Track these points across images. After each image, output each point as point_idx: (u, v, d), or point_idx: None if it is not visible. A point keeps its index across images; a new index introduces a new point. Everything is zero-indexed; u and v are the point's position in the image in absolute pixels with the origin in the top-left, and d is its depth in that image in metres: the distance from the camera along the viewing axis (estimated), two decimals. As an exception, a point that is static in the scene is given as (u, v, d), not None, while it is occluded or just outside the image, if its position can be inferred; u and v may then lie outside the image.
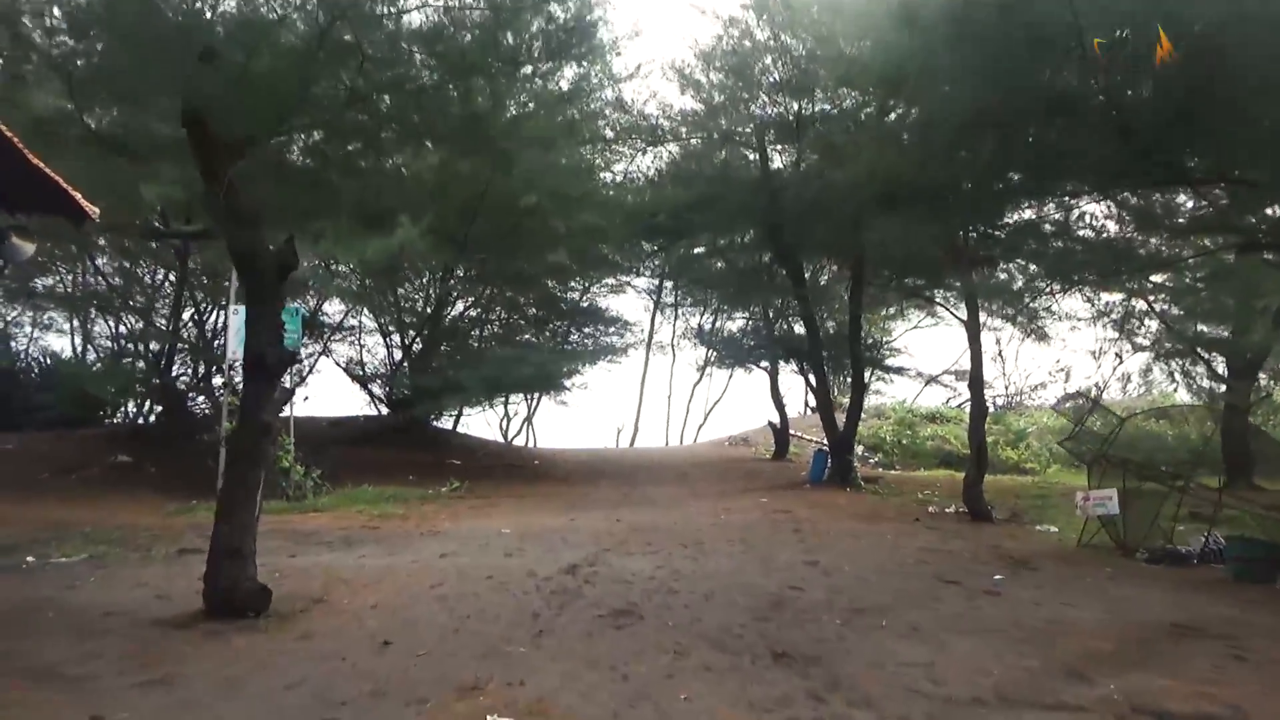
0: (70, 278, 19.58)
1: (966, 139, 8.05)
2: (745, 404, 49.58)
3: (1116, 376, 35.25)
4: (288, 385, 17.54)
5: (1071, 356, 54.74)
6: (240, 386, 14.72)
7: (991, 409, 32.61)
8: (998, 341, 33.34)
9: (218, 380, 16.27)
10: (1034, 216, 13.13)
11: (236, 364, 13.86)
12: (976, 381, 12.80)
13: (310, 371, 21.71)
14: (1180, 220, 12.65)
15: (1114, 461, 9.96)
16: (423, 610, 6.24)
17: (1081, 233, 12.88)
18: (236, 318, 13.81)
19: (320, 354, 21.59)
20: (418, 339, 20.03)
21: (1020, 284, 13.69)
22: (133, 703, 4.11)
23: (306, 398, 20.46)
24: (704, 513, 12.54)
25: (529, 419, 30.47)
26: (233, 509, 5.93)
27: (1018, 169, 8.23)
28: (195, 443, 15.61)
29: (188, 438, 16.85)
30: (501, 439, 29.22)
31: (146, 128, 6.29)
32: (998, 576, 7.80)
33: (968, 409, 31.88)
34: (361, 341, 21.42)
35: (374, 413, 22.34)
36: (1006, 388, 33.68)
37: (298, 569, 7.93)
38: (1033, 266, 14.01)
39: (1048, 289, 14.52)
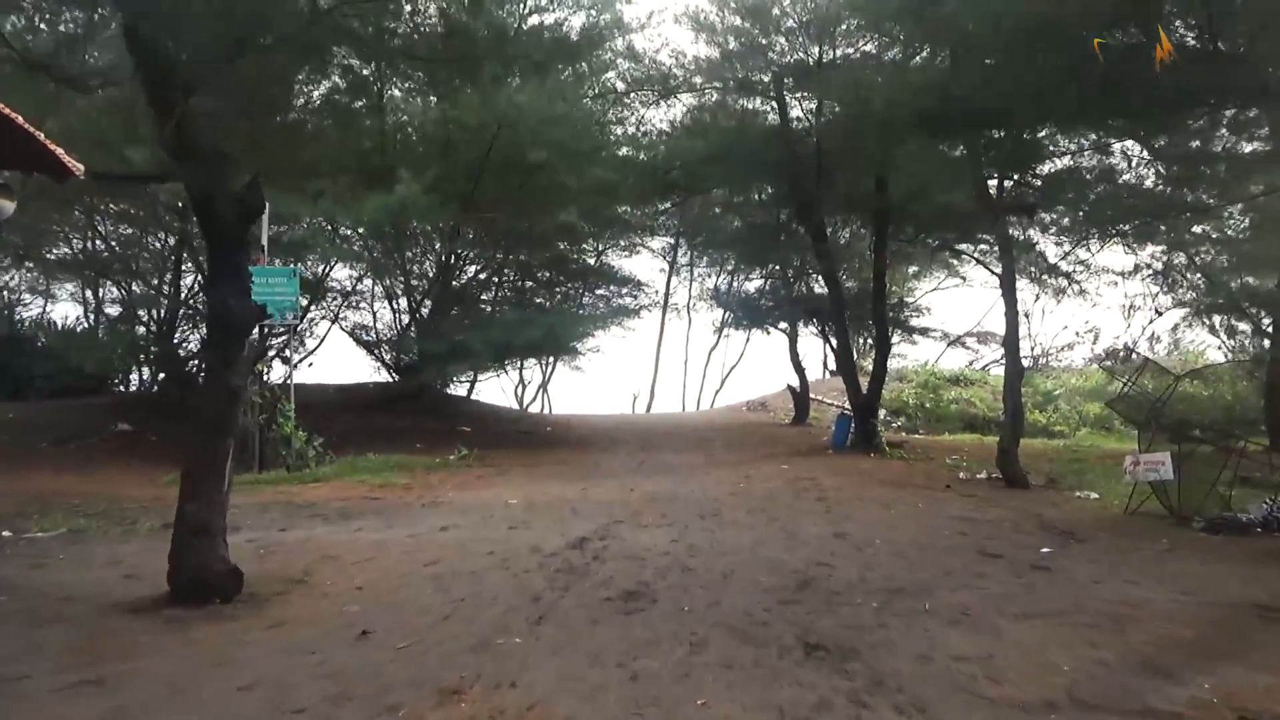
0: (77, 244, 19.06)
1: (1015, 60, 7.22)
2: (762, 368, 48.78)
3: (1146, 336, 34.23)
4: (280, 350, 17.10)
5: (1100, 316, 53.61)
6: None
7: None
8: (1024, 300, 32.32)
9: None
10: (1073, 162, 12.32)
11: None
12: (1012, 339, 12.01)
13: (320, 342, 21.28)
14: (1227, 162, 11.76)
15: (1166, 424, 9.20)
16: (413, 592, 5.65)
17: (1124, 179, 12.06)
18: (232, 280, 13.25)
19: (334, 320, 21.08)
20: (425, 302, 19.40)
21: (1058, 234, 12.89)
22: (57, 710, 3.53)
23: (311, 364, 19.91)
24: (723, 481, 11.92)
25: (544, 385, 29.95)
26: (199, 484, 5.33)
27: (1074, 93, 7.34)
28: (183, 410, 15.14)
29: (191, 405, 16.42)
30: (516, 406, 28.73)
31: (87, 50, 5.62)
32: (1045, 549, 7.12)
33: (992, 371, 31.15)
34: (370, 306, 20.84)
35: (384, 379, 21.86)
36: (1033, 348, 32.70)
37: (286, 544, 7.38)
38: (1068, 218, 13.21)
39: (1085, 240, 13.73)
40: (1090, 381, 26.27)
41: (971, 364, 31.73)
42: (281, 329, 14.82)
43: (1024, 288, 25.39)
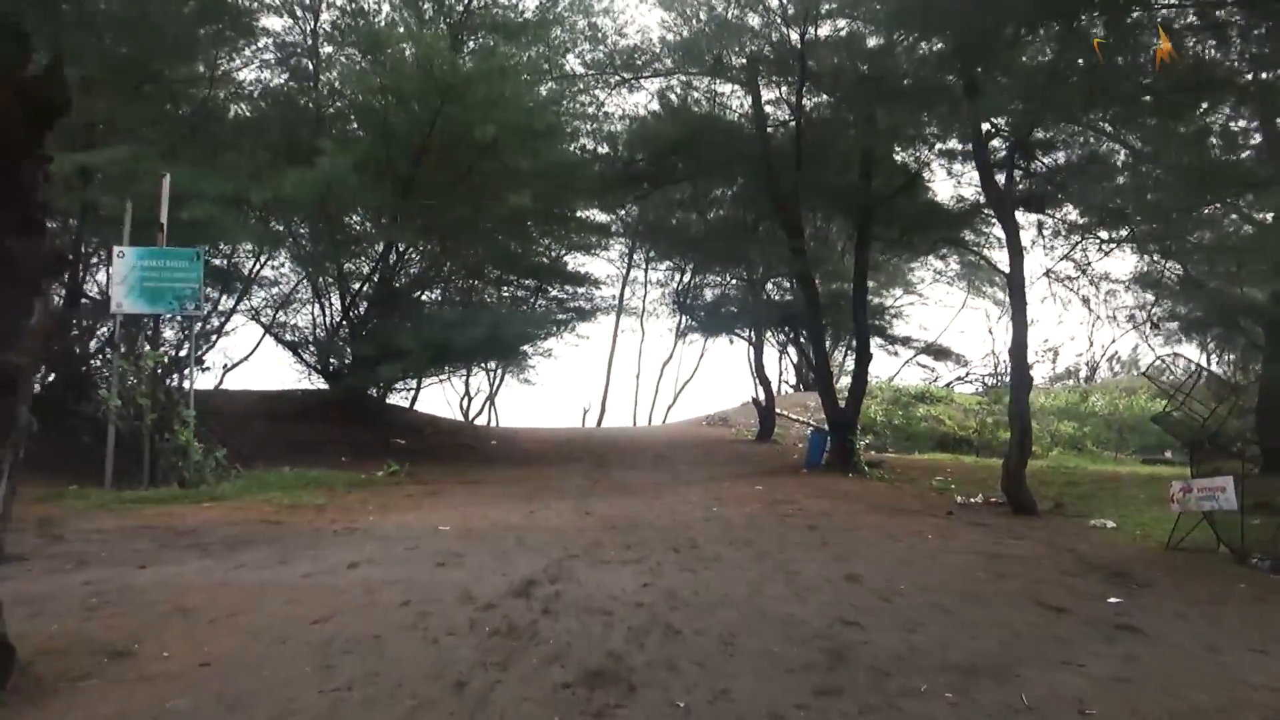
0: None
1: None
2: (718, 383, 47.39)
3: (1106, 356, 33.77)
4: (193, 353, 15.10)
5: (1058, 333, 53.94)
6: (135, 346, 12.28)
7: (982, 389, 30.89)
8: (989, 315, 31.56)
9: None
10: (1085, 153, 11.16)
11: (121, 316, 11.38)
12: (1019, 348, 10.67)
13: (255, 347, 19.20)
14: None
15: (1220, 444, 7.89)
16: (282, 671, 3.92)
17: (1141, 170, 10.93)
18: (122, 261, 11.29)
19: (265, 324, 18.99)
20: (358, 300, 17.49)
21: (1063, 234, 11.71)
22: None
23: (226, 365, 17.81)
24: (692, 503, 10.34)
25: (491, 397, 28.17)
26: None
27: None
28: (76, 414, 13.04)
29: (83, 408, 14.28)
30: (461, 418, 26.85)
31: None
32: (1113, 599, 5.67)
33: (957, 388, 30.21)
34: (300, 304, 18.81)
35: (315, 386, 19.80)
36: (995, 366, 31.96)
37: (134, 589, 5.55)
38: (1075, 215, 12.05)
39: (1087, 239, 12.64)
40: (1059, 400, 25.47)
41: (936, 380, 30.87)
42: (183, 320, 12.82)
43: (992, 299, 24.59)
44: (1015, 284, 10.42)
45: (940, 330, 46.68)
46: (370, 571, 6.25)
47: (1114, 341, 32.11)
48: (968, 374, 31.04)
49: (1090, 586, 6.08)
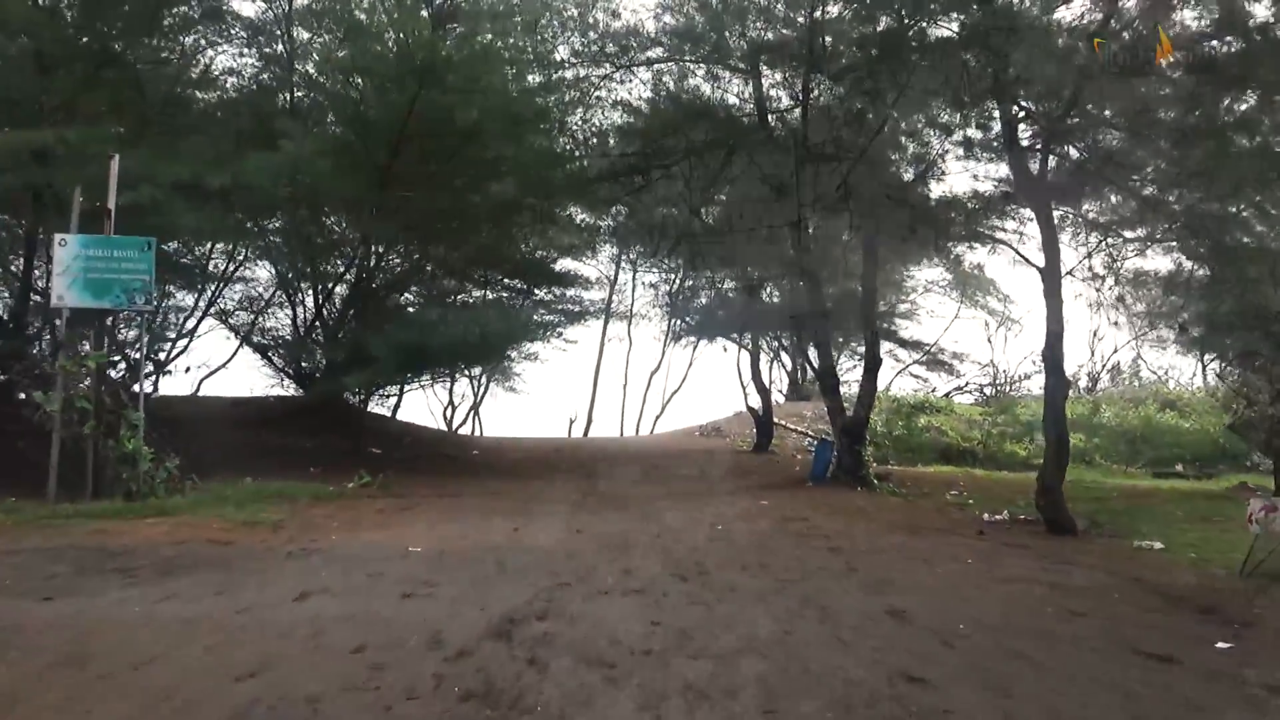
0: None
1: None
2: (706, 392, 46.33)
3: (1106, 366, 32.97)
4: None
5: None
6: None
7: (981, 399, 29.98)
8: (987, 325, 30.62)
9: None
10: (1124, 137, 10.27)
11: (68, 312, 10.30)
12: (1054, 350, 9.72)
13: (233, 355, 18.06)
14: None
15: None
16: (174, 760, 2.90)
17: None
18: (65, 250, 10.19)
19: (241, 328, 17.79)
20: (329, 299, 16.40)
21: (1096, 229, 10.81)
22: None
23: (189, 369, 16.60)
24: (693, 520, 9.31)
25: (475, 407, 27.06)
26: None
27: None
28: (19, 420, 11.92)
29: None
30: (445, 427, 25.76)
31: None
32: (1223, 644, 4.70)
33: (956, 399, 29.28)
34: (262, 303, 17.65)
35: (288, 391, 18.63)
36: (996, 377, 31.01)
37: (25, 631, 4.50)
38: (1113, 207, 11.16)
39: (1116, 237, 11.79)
40: (1076, 409, 24.60)
41: (934, 390, 29.93)
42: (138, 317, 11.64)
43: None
44: (1051, 279, 9.47)
45: (934, 340, 45.93)
46: (321, 604, 5.23)
47: (1115, 351, 31.22)
48: (966, 384, 30.08)
49: (1183, 626, 5.12)
